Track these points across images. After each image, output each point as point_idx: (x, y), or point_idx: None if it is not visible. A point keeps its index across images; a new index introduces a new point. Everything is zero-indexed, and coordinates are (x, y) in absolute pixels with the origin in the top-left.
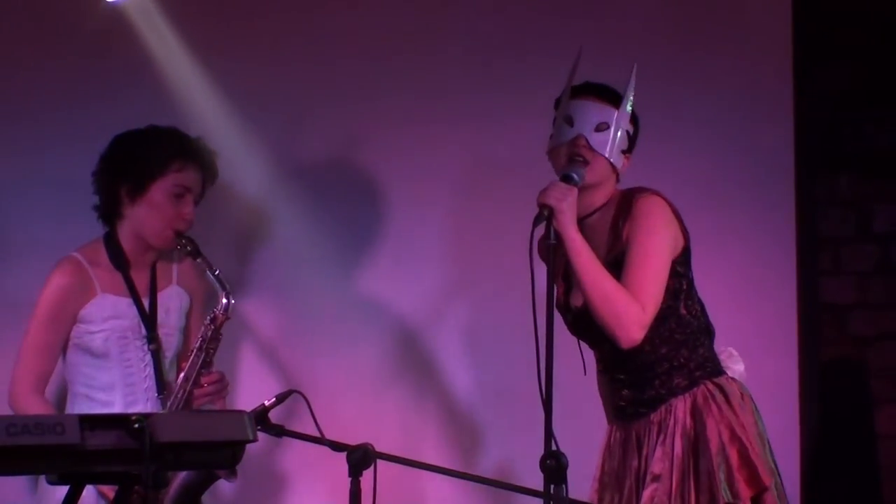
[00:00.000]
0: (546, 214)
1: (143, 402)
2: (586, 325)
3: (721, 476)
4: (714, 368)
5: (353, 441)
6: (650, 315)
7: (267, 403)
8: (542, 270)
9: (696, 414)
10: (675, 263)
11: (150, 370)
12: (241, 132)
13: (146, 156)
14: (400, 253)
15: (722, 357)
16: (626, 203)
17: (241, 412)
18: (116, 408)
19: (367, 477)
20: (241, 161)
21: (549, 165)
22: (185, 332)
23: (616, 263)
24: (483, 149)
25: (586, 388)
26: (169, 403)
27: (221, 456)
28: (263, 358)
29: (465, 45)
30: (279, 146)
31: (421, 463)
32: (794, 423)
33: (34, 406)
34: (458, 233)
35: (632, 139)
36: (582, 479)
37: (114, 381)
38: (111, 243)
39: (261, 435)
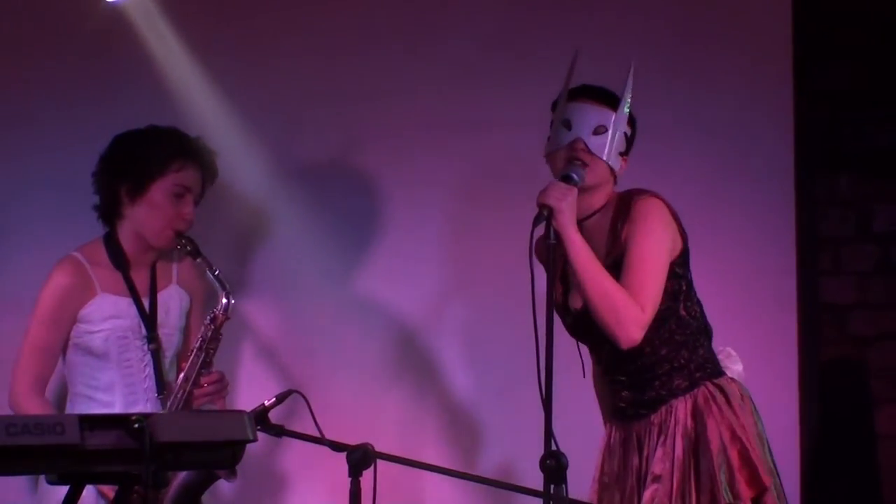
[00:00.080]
0: (546, 214)
1: (142, 402)
2: (586, 327)
3: (722, 477)
4: (714, 369)
5: (352, 441)
6: (649, 315)
7: (267, 403)
8: (541, 271)
9: (696, 415)
10: (673, 265)
11: (150, 370)
12: (241, 132)
13: (146, 156)
14: (400, 252)
15: (720, 357)
16: (624, 205)
17: (240, 412)
18: (116, 408)
19: (366, 477)
20: (241, 161)
21: (548, 168)
22: (185, 331)
23: (615, 265)
24: (483, 149)
25: (586, 389)
26: (169, 403)
27: (221, 456)
28: (263, 358)
29: (466, 46)
30: (279, 146)
31: (421, 463)
32: (794, 423)
33: (34, 406)
34: (458, 232)
35: (629, 141)
36: (582, 479)
37: (114, 381)
38: (111, 243)
39: (261, 435)
